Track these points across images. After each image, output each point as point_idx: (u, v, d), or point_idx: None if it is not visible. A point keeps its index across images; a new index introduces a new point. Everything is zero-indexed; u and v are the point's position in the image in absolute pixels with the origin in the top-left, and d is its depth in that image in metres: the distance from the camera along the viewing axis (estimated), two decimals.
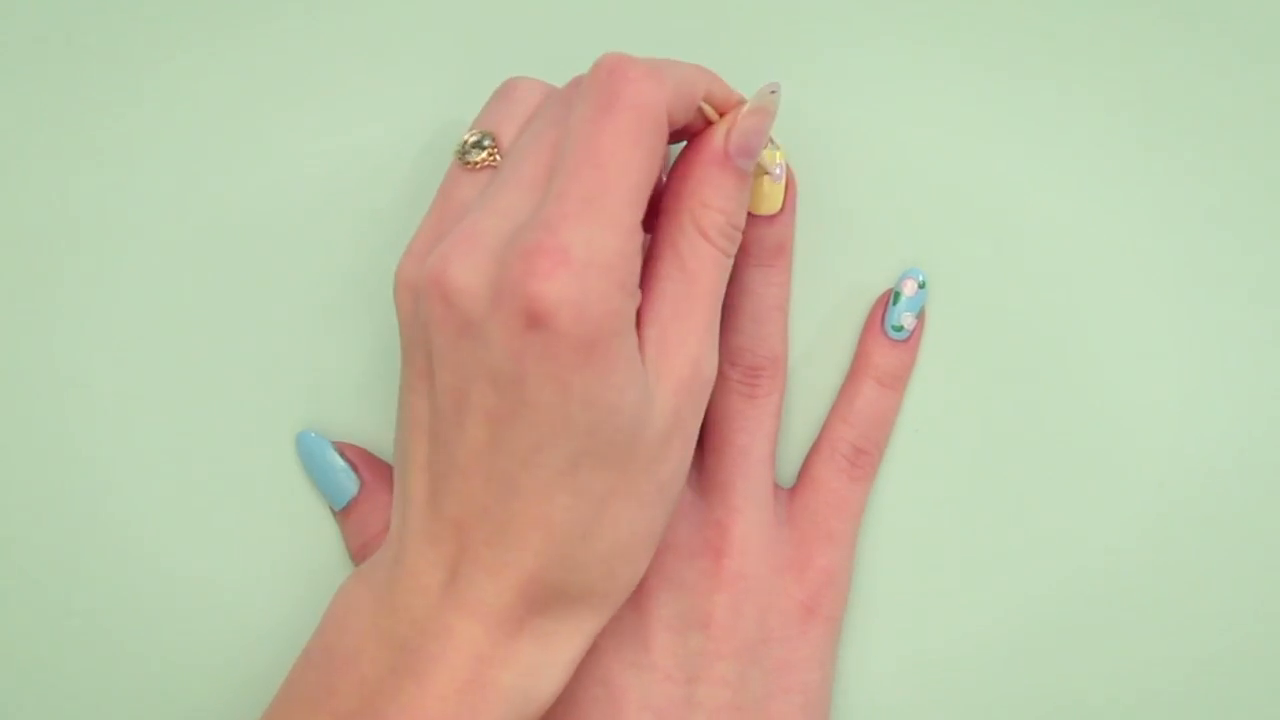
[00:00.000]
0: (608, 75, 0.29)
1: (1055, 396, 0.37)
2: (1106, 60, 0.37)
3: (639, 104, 0.29)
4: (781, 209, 0.36)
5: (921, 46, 0.37)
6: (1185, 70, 0.37)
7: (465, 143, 0.32)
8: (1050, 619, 0.37)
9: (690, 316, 0.31)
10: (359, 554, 0.36)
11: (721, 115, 0.32)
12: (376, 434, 0.37)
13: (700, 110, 0.32)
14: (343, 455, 0.36)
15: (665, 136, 0.30)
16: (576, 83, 0.32)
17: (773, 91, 0.32)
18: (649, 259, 0.32)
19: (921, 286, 0.36)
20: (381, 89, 0.37)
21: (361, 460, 0.36)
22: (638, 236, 0.29)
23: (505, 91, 0.33)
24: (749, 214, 0.36)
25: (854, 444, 0.36)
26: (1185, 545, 0.37)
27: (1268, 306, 0.37)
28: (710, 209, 0.31)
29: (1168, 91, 0.37)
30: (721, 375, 0.36)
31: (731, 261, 0.32)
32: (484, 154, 0.32)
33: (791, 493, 0.37)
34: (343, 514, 0.36)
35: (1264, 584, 0.37)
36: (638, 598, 0.34)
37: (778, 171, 0.36)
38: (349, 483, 0.36)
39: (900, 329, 0.36)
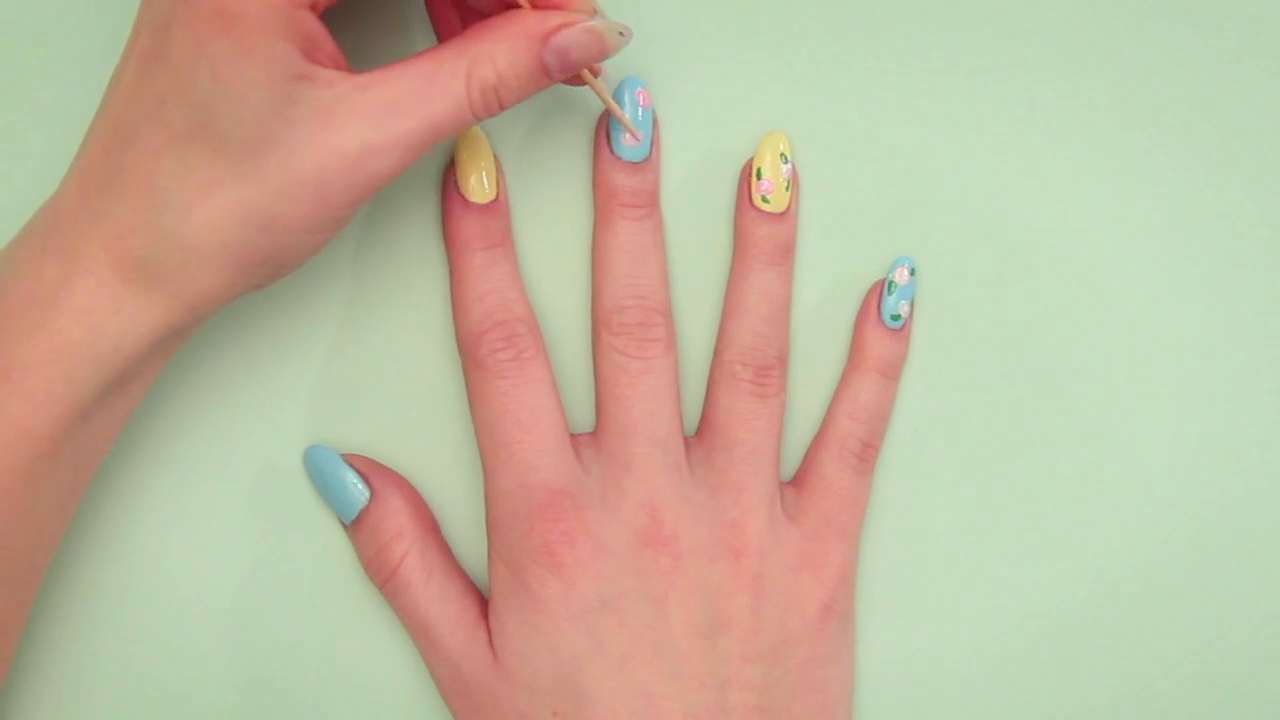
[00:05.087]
0: None
1: (1054, 395, 0.38)
2: (1102, 59, 0.38)
3: None
4: (787, 208, 0.36)
5: (916, 44, 0.37)
6: (1181, 69, 0.38)
7: None
8: (1050, 617, 0.38)
9: (392, 114, 0.30)
10: (372, 563, 0.36)
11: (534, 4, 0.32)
12: (380, 439, 0.37)
13: None
14: (352, 467, 0.36)
15: None
16: None
17: (621, 33, 0.32)
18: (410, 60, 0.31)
19: (912, 273, 0.37)
20: None
21: (369, 469, 0.36)
22: None
23: None
24: (759, 211, 0.36)
25: (862, 440, 0.37)
26: (1184, 542, 0.38)
27: (1265, 299, 0.38)
28: (491, 64, 0.31)
29: (1163, 90, 0.38)
30: (734, 376, 0.36)
31: (471, 119, 0.31)
32: None
33: (797, 489, 0.37)
34: (354, 525, 0.36)
35: (1264, 584, 0.38)
36: (664, 606, 0.34)
37: (785, 171, 0.36)
38: (359, 494, 0.36)
39: (898, 317, 0.37)
